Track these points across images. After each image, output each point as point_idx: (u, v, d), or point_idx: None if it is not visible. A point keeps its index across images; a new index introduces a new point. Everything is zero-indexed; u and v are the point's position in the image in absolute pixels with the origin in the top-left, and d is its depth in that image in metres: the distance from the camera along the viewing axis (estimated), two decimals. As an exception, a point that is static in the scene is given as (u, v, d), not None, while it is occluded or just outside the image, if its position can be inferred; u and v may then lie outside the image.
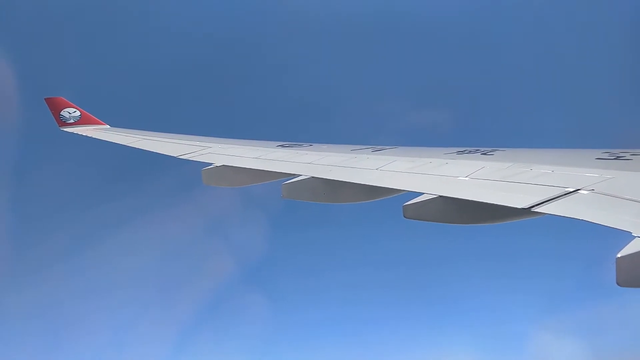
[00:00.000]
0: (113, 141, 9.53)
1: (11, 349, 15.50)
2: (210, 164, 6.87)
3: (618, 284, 2.86)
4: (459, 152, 5.64)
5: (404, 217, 4.63)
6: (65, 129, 10.76)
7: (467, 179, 4.64)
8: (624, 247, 2.90)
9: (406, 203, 4.62)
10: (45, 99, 11.01)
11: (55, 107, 10.87)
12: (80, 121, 10.82)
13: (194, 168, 7.06)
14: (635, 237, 2.94)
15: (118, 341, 16.90)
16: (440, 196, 4.47)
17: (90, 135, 10.24)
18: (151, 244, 16.91)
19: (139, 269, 16.96)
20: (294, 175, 5.84)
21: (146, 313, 17.17)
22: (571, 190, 3.78)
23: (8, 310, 15.92)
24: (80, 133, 10.53)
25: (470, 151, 5.61)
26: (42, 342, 16.44)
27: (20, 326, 16.05)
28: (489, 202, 4.06)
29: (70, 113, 10.83)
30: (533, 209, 3.68)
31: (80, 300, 16.79)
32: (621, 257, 2.85)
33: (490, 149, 5.58)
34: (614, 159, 4.49)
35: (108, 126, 10.73)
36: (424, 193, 4.59)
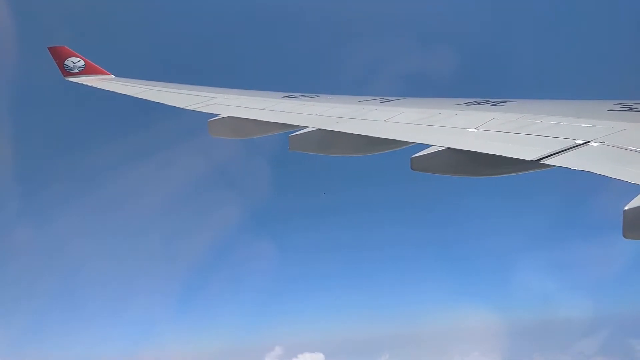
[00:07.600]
0: (118, 91, 9.44)
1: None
2: (216, 115, 6.82)
3: (624, 236, 2.88)
4: (468, 104, 5.55)
5: (412, 169, 4.62)
6: (69, 79, 10.64)
7: (476, 130, 4.58)
8: (631, 199, 2.90)
9: (414, 155, 4.60)
10: (48, 47, 10.84)
11: (59, 57, 10.71)
12: (84, 71, 10.67)
13: (200, 119, 7.03)
14: None
15: (122, 292, 17.43)
16: (449, 148, 4.44)
17: (95, 86, 10.14)
18: (157, 194, 17.12)
19: (144, 220, 17.25)
20: (301, 127, 5.78)
21: (151, 264, 17.61)
22: (581, 142, 3.73)
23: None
24: (84, 83, 10.41)
25: (479, 102, 5.52)
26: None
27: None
28: (497, 154, 4.03)
29: (74, 62, 10.67)
30: (542, 161, 3.66)
31: (86, 246, 17.25)
32: (628, 209, 2.85)
33: (500, 99, 5.48)
34: (627, 110, 4.40)
35: (113, 76, 10.59)
36: (432, 145, 4.56)
